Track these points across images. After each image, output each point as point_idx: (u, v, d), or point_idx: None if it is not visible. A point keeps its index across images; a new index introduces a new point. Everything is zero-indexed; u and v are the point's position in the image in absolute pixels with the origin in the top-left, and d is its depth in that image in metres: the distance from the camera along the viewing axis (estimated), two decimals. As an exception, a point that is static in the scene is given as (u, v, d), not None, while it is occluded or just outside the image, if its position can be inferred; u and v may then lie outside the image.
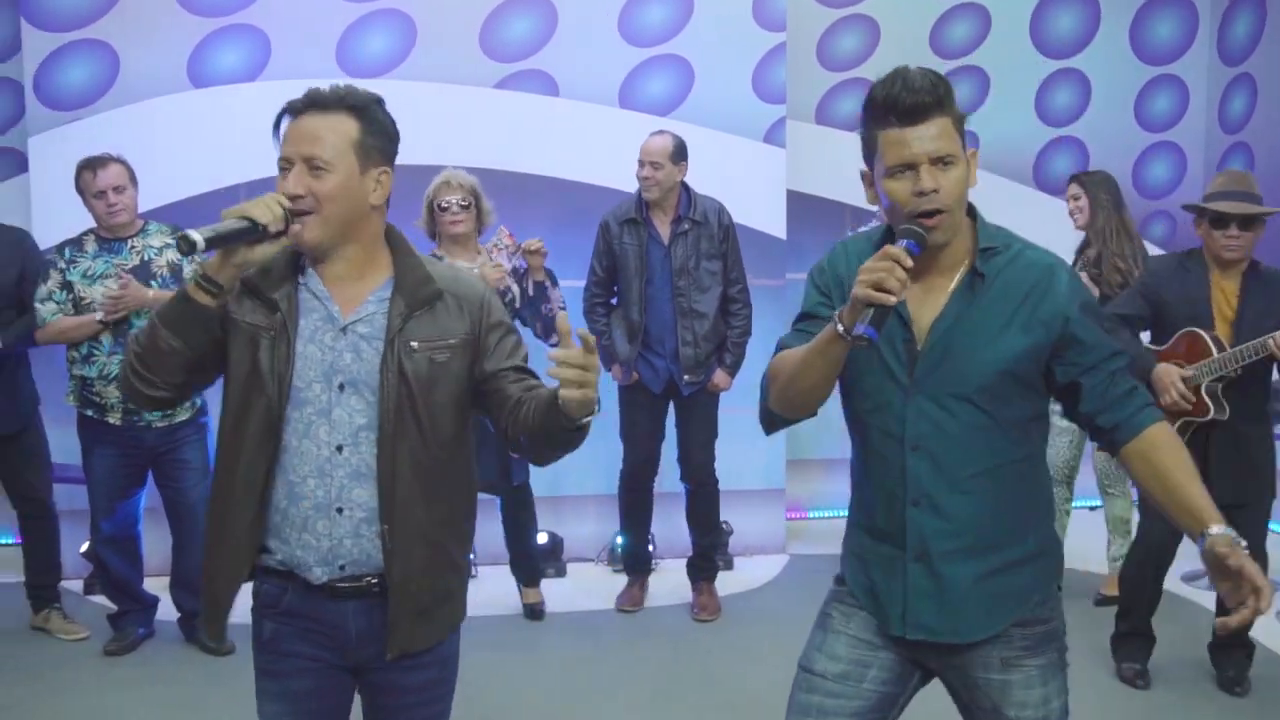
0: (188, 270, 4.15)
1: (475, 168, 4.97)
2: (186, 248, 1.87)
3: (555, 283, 4.48)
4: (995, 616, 2.05)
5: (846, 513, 2.26)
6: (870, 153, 2.00)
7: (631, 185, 4.77)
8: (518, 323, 4.38)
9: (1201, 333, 3.74)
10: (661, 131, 4.69)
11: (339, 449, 2.03)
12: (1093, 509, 5.53)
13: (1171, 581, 4.19)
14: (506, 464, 4.47)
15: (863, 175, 2.04)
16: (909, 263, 1.85)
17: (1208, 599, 4.63)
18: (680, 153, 4.55)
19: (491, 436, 4.18)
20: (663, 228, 4.59)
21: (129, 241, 4.17)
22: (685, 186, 4.60)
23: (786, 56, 5.60)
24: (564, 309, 4.48)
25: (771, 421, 2.23)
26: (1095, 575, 5.03)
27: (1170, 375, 3.71)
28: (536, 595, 4.79)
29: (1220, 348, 3.69)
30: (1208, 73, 6.59)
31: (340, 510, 2.03)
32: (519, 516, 4.71)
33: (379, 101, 2.08)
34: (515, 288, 4.40)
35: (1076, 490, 4.99)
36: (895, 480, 2.05)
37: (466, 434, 2.15)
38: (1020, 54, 6.37)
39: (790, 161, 5.61)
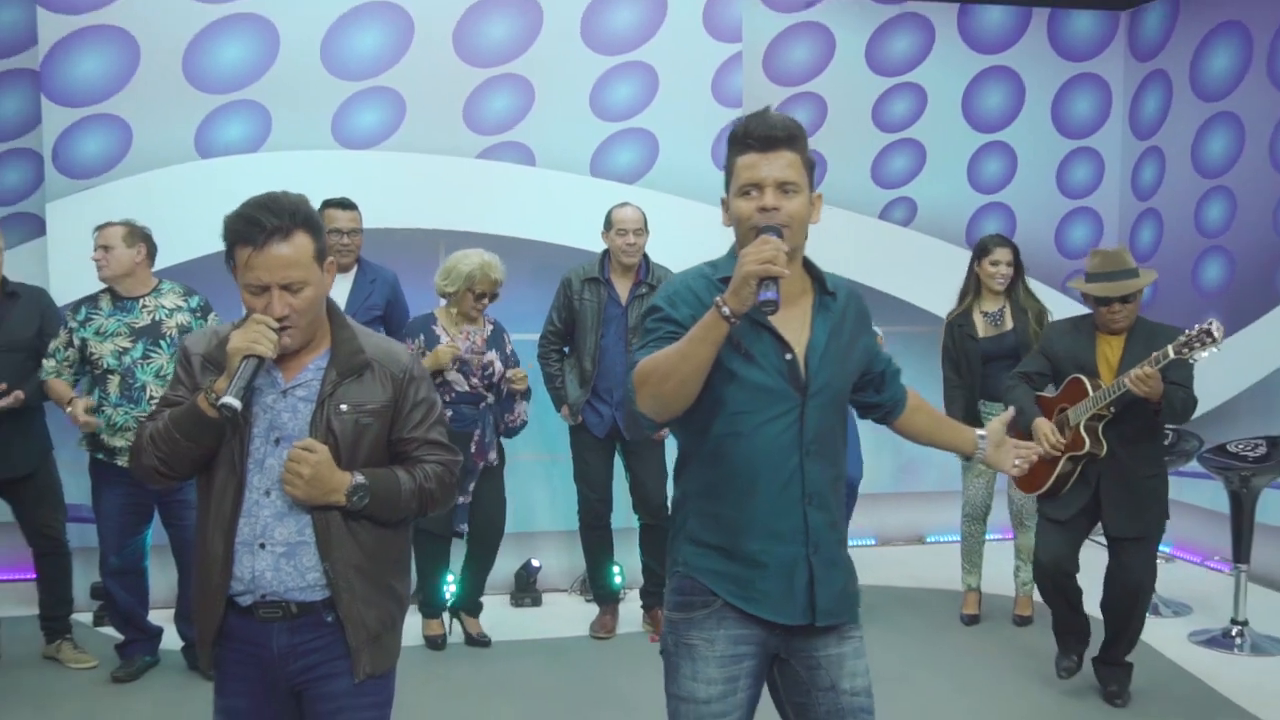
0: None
1: (458, 231, 5.09)
2: (231, 414, 2.00)
3: (528, 397, 4.58)
4: (855, 592, 2.18)
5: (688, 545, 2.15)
6: (728, 179, 2.07)
7: (601, 244, 4.76)
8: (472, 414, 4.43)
9: (1083, 378, 3.83)
10: (627, 203, 4.72)
11: (267, 493, 2.10)
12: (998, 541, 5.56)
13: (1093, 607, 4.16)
14: (453, 510, 4.44)
15: (722, 202, 2.09)
16: (786, 247, 1.91)
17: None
18: (647, 223, 4.64)
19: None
20: (622, 289, 4.62)
21: (141, 301, 4.09)
22: (644, 254, 4.68)
23: (743, 130, 5.66)
24: (525, 423, 4.62)
25: (636, 427, 2.43)
26: (1009, 598, 5.07)
27: (1043, 428, 3.79)
28: (476, 625, 4.71)
29: (1096, 389, 3.78)
30: (1121, 145, 6.71)
31: (262, 546, 2.09)
32: (481, 547, 4.65)
33: (309, 203, 2.14)
34: (498, 365, 4.48)
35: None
36: (795, 483, 2.06)
37: None
38: (953, 128, 6.48)
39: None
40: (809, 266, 2.14)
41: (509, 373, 4.47)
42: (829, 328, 2.10)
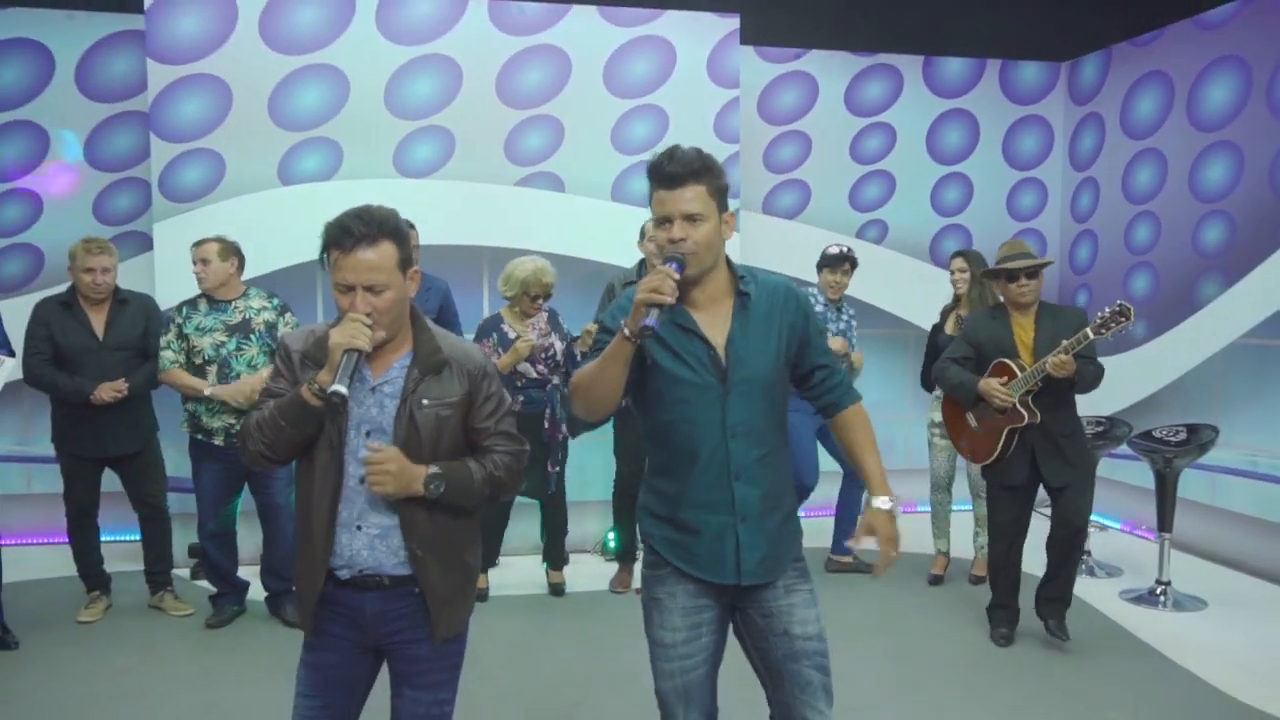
0: (281, 329, 4.29)
1: (499, 247, 5.33)
2: (340, 401, 2.00)
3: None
4: (790, 555, 2.22)
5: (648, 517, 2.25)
6: (651, 208, 2.13)
7: (620, 259, 5.16)
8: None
9: (1008, 361, 4.01)
10: None
11: (361, 480, 2.11)
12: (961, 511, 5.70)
13: (1032, 566, 4.38)
14: (545, 477, 4.71)
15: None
16: (676, 276, 1.97)
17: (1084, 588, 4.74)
18: None
19: (537, 454, 4.46)
20: None
21: (233, 303, 4.28)
22: None
23: (741, 162, 5.91)
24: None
25: (575, 426, 2.51)
26: (969, 560, 5.34)
27: (991, 385, 3.99)
28: (560, 577, 4.99)
29: (1022, 370, 3.96)
30: (1062, 176, 7.00)
31: (359, 528, 2.12)
32: (554, 516, 4.92)
33: (398, 216, 2.12)
34: (558, 345, 4.68)
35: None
36: (721, 461, 2.12)
37: None
38: (919, 161, 6.76)
39: (743, 243, 5.88)
40: (737, 271, 2.19)
41: (582, 331, 4.52)
42: (746, 324, 2.15)
